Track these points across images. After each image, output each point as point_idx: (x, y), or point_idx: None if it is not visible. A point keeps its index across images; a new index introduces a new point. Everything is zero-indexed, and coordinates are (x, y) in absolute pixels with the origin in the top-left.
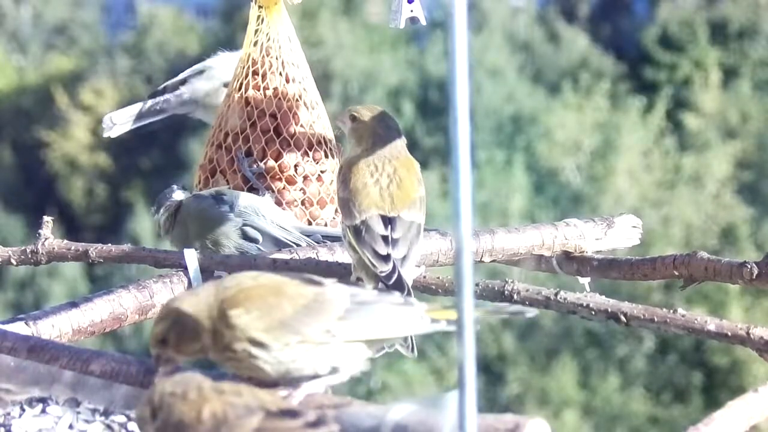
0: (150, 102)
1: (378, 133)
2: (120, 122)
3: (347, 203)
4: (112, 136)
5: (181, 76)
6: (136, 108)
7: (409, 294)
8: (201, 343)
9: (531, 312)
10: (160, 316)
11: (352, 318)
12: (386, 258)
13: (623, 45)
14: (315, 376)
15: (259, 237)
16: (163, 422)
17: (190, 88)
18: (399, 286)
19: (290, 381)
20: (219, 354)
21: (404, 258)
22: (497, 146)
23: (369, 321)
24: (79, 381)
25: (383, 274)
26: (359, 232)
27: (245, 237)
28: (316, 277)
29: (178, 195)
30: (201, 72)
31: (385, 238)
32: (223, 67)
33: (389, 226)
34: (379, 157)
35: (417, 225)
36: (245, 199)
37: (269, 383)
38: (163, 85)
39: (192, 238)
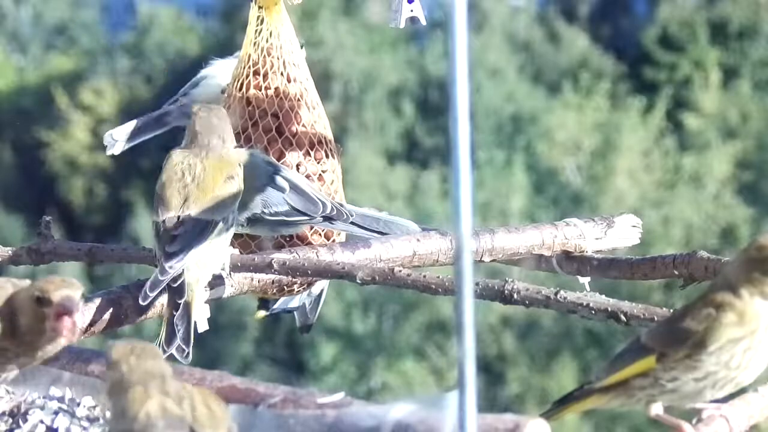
0: (151, 115)
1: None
2: (121, 138)
3: None
4: (116, 153)
5: (181, 92)
6: (136, 123)
7: None
8: None
9: None
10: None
11: None
12: None
13: (623, 45)
14: None
15: (287, 186)
16: (113, 403)
17: (189, 99)
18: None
19: None
20: None
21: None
22: (497, 146)
23: None
24: (78, 381)
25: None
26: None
27: (273, 184)
28: None
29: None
30: (198, 83)
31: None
32: (218, 74)
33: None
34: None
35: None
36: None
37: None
38: (165, 108)
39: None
